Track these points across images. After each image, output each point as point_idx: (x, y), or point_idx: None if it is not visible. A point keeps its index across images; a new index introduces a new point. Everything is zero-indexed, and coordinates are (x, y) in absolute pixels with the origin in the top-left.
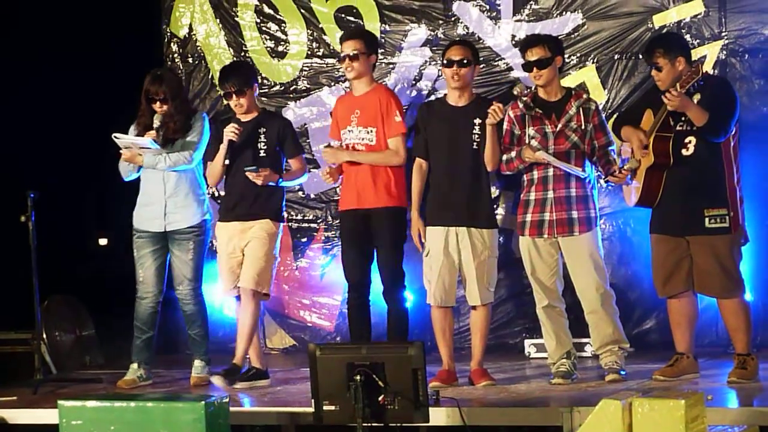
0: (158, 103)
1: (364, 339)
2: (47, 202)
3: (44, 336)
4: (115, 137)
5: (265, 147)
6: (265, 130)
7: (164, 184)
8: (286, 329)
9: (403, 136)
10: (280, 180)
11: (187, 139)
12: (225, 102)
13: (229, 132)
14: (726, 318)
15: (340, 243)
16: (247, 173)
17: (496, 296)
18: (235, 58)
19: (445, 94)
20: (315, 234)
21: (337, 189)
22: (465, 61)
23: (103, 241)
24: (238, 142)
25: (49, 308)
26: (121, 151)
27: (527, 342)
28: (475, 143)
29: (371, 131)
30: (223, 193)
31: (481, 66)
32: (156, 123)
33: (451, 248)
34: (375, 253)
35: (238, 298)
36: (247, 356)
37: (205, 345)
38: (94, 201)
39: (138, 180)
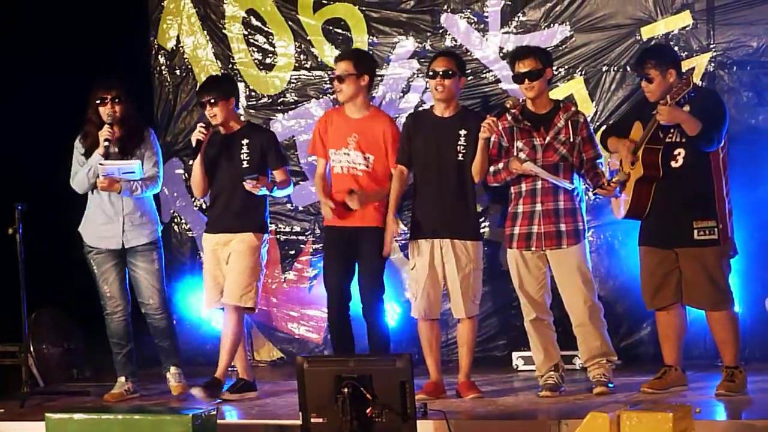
0: (110, 104)
1: (347, 353)
2: (35, 213)
3: (31, 349)
4: (100, 164)
5: (248, 158)
6: (248, 141)
7: (122, 202)
8: (274, 342)
9: None
10: (275, 188)
11: (150, 165)
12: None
13: (198, 133)
14: (714, 330)
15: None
16: (245, 182)
17: (484, 309)
18: (222, 71)
19: (432, 106)
20: (303, 246)
21: None
22: (450, 72)
23: None
24: (219, 153)
25: (36, 321)
26: (99, 180)
27: (515, 354)
28: (460, 155)
29: (369, 158)
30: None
31: (469, 78)
32: (104, 136)
33: (436, 261)
34: (356, 269)
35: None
36: (235, 368)
37: (177, 355)
38: (81, 212)
39: (81, 193)
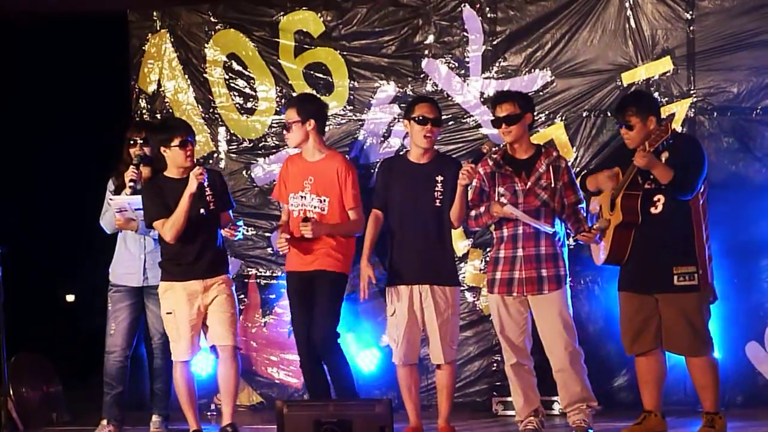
0: (139, 146)
1: (322, 394)
2: (14, 257)
3: (11, 392)
4: (110, 200)
5: (213, 199)
6: (209, 182)
7: (143, 240)
8: (254, 386)
9: (361, 206)
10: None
11: None
12: (163, 152)
13: (198, 175)
14: (694, 376)
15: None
16: (225, 230)
17: (465, 354)
18: (204, 115)
19: (407, 151)
20: (282, 291)
21: None
22: (438, 121)
23: (70, 298)
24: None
25: (16, 365)
26: (115, 218)
27: (495, 400)
28: (437, 201)
29: (324, 200)
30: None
31: (450, 123)
32: (129, 176)
33: (416, 307)
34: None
35: (187, 363)
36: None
37: (166, 401)
38: (61, 257)
39: (110, 235)
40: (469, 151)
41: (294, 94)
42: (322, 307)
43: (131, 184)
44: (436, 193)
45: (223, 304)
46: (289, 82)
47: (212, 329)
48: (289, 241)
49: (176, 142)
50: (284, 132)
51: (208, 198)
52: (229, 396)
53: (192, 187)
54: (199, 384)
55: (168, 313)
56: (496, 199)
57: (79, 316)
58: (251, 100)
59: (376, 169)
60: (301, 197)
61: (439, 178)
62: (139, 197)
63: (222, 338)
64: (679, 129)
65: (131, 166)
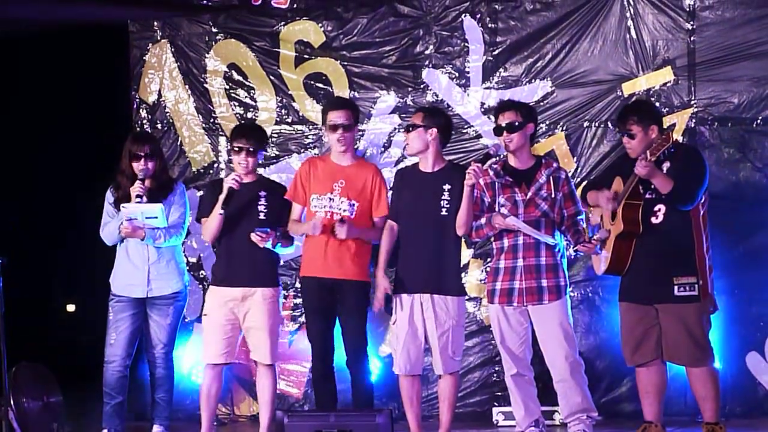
0: (143, 160)
1: (329, 407)
2: (14, 267)
3: (12, 402)
4: (123, 207)
5: (265, 210)
6: (266, 194)
7: (148, 250)
8: (254, 396)
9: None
10: (278, 244)
11: (176, 215)
12: (230, 156)
13: (231, 180)
14: (694, 386)
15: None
16: (254, 233)
17: (465, 364)
18: (204, 125)
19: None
20: (284, 301)
21: None
22: (410, 127)
23: (71, 308)
24: (237, 204)
25: (16, 375)
26: (122, 226)
27: (496, 410)
28: (444, 210)
29: (354, 204)
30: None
31: (451, 133)
32: (136, 192)
33: (416, 317)
34: (338, 321)
35: (213, 367)
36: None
37: (168, 411)
38: (62, 263)
39: (111, 245)
40: (468, 163)
41: (294, 105)
42: (353, 318)
43: (137, 199)
44: (442, 202)
45: (259, 319)
46: (290, 92)
47: (250, 345)
48: (309, 241)
49: (233, 146)
50: (339, 131)
51: (260, 208)
52: (265, 406)
53: (224, 191)
54: (194, 396)
55: (204, 315)
56: (497, 209)
57: (80, 326)
58: (251, 110)
59: (392, 179)
60: (329, 199)
61: (447, 187)
62: (153, 206)
63: (258, 356)
64: (679, 139)
65: (137, 181)
